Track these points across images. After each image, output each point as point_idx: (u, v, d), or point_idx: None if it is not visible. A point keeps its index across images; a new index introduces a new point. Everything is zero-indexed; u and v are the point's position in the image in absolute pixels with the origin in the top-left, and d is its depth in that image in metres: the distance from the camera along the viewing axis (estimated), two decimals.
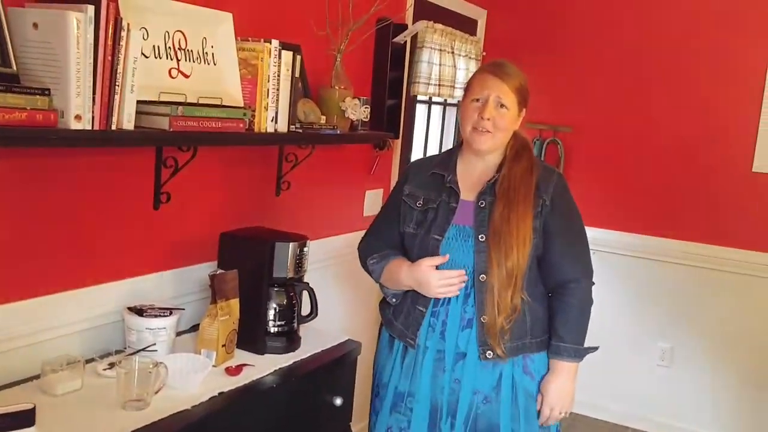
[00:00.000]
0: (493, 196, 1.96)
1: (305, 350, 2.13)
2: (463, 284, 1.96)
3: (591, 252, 2.07)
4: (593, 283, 2.04)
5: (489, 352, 1.95)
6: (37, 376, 1.75)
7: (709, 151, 3.67)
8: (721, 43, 3.60)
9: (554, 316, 2.00)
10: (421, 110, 3.61)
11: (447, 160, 2.08)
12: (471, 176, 2.03)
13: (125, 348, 1.94)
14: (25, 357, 1.77)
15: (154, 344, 1.87)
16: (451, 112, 3.95)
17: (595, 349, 2.03)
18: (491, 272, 1.91)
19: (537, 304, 2.00)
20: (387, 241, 2.12)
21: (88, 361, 1.81)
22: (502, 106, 1.94)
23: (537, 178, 1.97)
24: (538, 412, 2.03)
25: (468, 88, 2.02)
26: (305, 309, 2.21)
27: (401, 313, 2.07)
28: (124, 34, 1.61)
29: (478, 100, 1.96)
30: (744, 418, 3.68)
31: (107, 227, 1.94)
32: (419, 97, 3.46)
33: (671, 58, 3.71)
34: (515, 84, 1.95)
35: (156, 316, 1.90)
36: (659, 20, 3.73)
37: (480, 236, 1.94)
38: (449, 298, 1.97)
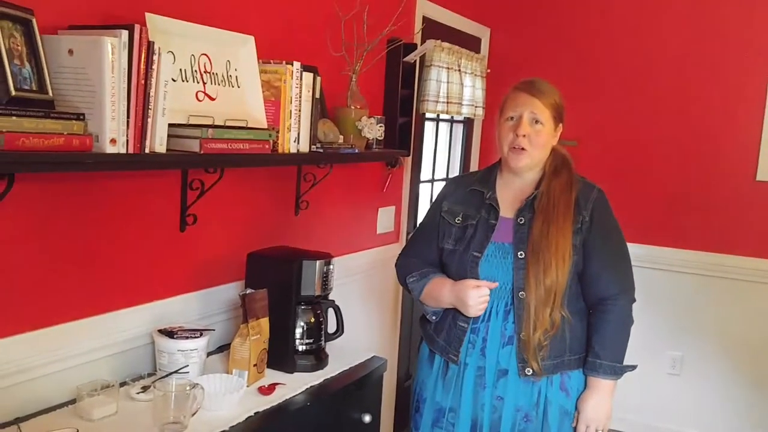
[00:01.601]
0: (533, 213, 1.96)
1: (333, 368, 2.14)
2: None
3: None
4: (634, 300, 2.03)
5: (528, 368, 1.94)
6: (70, 402, 1.76)
7: (714, 161, 3.71)
8: (723, 53, 3.66)
9: (592, 333, 1.99)
10: (429, 127, 3.64)
11: (486, 177, 2.08)
12: (510, 193, 2.03)
13: (155, 371, 1.94)
14: (56, 383, 1.76)
15: (187, 366, 1.87)
16: (458, 129, 3.98)
17: (634, 367, 2.01)
18: (529, 289, 1.90)
19: (577, 321, 1.99)
20: (425, 258, 2.11)
21: (120, 385, 1.81)
22: (537, 122, 1.94)
23: (577, 193, 1.96)
24: (575, 429, 2.02)
25: (502, 107, 2.01)
26: (331, 327, 2.22)
27: (442, 330, 2.06)
28: (156, 58, 1.64)
29: (512, 118, 1.96)
30: (756, 424, 3.69)
31: (135, 250, 1.95)
32: (427, 115, 3.50)
33: (673, 69, 3.76)
34: (549, 100, 1.95)
35: (187, 337, 1.90)
36: (661, 32, 3.78)
37: (519, 253, 1.94)
38: (489, 315, 1.97)
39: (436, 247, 2.09)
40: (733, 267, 3.68)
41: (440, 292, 2.01)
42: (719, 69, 3.67)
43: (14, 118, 1.38)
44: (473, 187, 2.07)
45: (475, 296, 1.93)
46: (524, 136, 1.93)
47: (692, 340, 3.80)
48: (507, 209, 2.01)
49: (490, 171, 2.11)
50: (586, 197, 1.98)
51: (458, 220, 2.04)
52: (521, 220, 1.97)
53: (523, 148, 1.94)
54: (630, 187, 3.85)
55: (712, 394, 3.77)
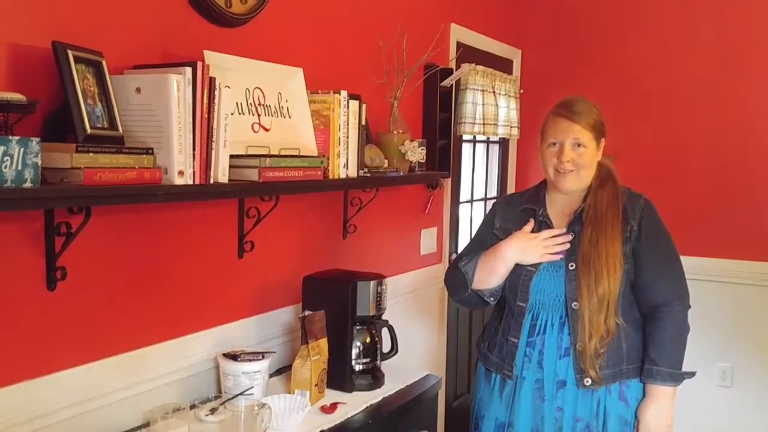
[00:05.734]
0: (581, 225, 2.00)
1: (389, 387, 2.19)
2: (566, 247, 1.98)
3: None
4: (689, 307, 2.03)
5: (587, 379, 1.96)
6: (143, 426, 1.82)
7: (755, 168, 3.69)
8: (763, 58, 3.66)
9: (648, 340, 1.99)
10: (466, 149, 3.70)
11: (536, 196, 2.12)
12: (560, 209, 2.07)
13: (220, 394, 2.00)
14: (129, 408, 1.84)
15: (252, 387, 1.93)
16: (494, 149, 4.04)
17: (692, 374, 2.01)
18: (582, 299, 1.94)
19: (633, 330, 2.00)
20: None
21: (189, 408, 1.88)
22: (579, 145, 1.98)
23: (623, 203, 2.00)
24: None
25: (542, 133, 2.05)
26: (384, 346, 2.26)
27: (495, 346, 2.10)
28: (217, 92, 1.72)
29: (554, 144, 2.00)
30: None
31: (198, 278, 2.02)
32: (464, 137, 3.56)
33: (710, 77, 3.76)
34: (588, 121, 1.98)
35: (250, 360, 1.96)
36: (695, 42, 3.79)
37: (570, 265, 1.97)
38: (545, 328, 2.00)
39: None
40: None
41: (495, 254, 2.02)
42: (760, 73, 3.67)
43: (91, 154, 1.46)
44: (524, 206, 2.11)
45: (540, 238, 1.98)
46: (568, 161, 1.97)
47: (742, 351, 3.76)
48: (558, 224, 2.05)
49: (537, 189, 2.15)
50: (633, 206, 2.01)
51: None
52: (571, 234, 2.01)
53: (569, 171, 1.98)
54: (672, 199, 3.80)
55: (765, 405, 3.72)
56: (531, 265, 2.01)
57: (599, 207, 1.99)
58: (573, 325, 1.96)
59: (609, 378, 1.98)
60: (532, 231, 2.05)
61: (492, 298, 2.07)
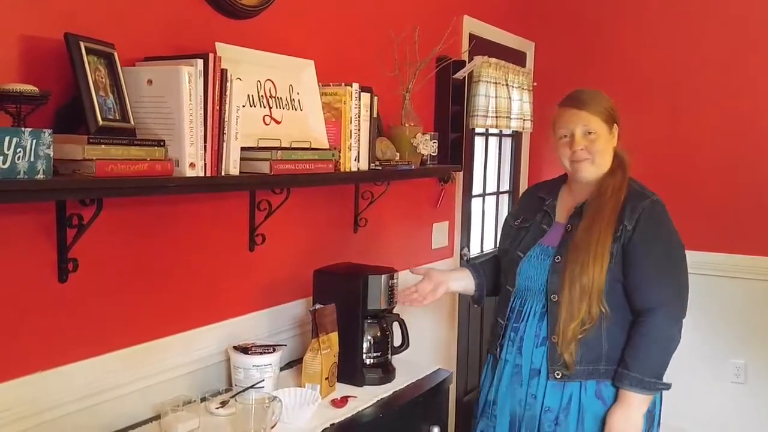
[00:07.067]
0: (581, 218, 1.99)
1: (400, 381, 2.18)
2: (416, 298, 2.15)
3: None
4: (678, 317, 1.94)
5: (557, 372, 1.95)
6: (150, 420, 1.83)
7: (767, 162, 3.66)
8: None
9: (626, 345, 1.94)
10: (478, 142, 3.68)
11: (554, 186, 2.14)
12: (571, 201, 2.07)
13: (230, 387, 2.00)
14: (140, 400, 1.84)
15: (262, 380, 1.93)
16: (506, 143, 4.02)
17: (667, 386, 1.95)
18: (563, 292, 1.92)
19: (618, 331, 1.94)
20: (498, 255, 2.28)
21: (200, 401, 1.88)
22: (589, 133, 1.98)
23: (624, 201, 1.95)
24: None
25: (553, 127, 2.06)
26: (396, 340, 2.26)
27: (491, 327, 2.17)
28: (228, 84, 1.71)
29: (565, 136, 2.01)
30: None
31: (209, 271, 2.02)
32: (476, 130, 3.54)
33: (720, 74, 3.73)
34: (595, 108, 1.98)
35: (261, 353, 1.96)
36: (706, 39, 3.75)
37: (557, 257, 1.97)
38: (528, 315, 2.01)
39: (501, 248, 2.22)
40: None
41: None
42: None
43: (103, 146, 1.46)
44: (539, 195, 2.15)
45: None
46: (581, 149, 1.98)
47: (756, 348, 3.72)
48: (562, 216, 2.07)
49: (558, 180, 2.17)
50: (634, 207, 1.95)
51: (517, 222, 2.15)
52: (569, 227, 2.01)
53: (584, 158, 1.98)
54: (687, 194, 3.77)
55: None
56: (520, 251, 2.05)
57: (603, 197, 1.97)
58: (550, 317, 1.96)
59: (582, 374, 1.94)
60: (536, 216, 2.11)
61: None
